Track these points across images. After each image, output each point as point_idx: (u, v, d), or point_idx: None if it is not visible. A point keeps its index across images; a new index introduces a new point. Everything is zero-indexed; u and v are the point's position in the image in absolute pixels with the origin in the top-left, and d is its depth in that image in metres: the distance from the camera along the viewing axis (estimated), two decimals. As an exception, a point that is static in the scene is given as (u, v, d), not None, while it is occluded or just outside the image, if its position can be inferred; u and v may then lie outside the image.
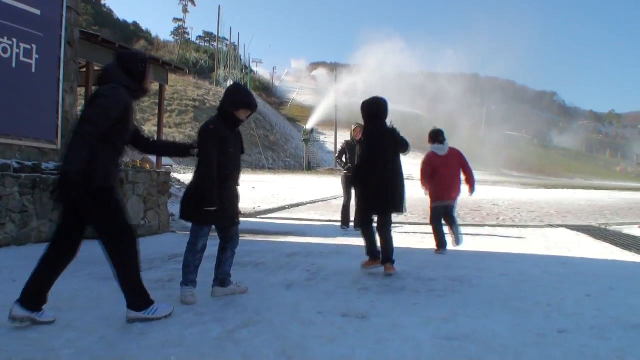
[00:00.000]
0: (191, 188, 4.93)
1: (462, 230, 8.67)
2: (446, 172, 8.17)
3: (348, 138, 10.80)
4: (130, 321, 3.92)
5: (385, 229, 6.15)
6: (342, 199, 11.00)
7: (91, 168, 4.00)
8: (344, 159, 10.82)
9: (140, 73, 4.36)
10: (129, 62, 4.38)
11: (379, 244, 6.19)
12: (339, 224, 11.19)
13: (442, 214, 8.23)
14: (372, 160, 6.15)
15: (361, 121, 6.60)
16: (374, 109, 6.30)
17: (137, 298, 4.02)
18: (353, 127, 10.75)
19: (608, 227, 12.35)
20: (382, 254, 6.09)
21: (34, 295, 3.88)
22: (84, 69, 12.64)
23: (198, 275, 4.88)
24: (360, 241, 9.02)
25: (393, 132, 6.23)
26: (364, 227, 6.39)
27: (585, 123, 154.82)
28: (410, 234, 10.47)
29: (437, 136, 8.49)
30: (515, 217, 16.72)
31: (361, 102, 6.41)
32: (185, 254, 4.91)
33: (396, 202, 6.10)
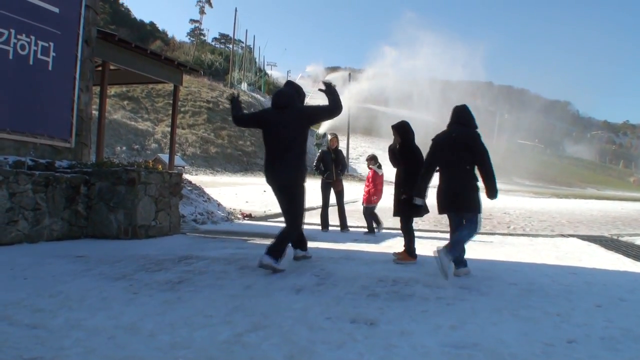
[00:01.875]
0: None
1: (475, 238, 8.60)
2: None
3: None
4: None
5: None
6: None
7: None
8: (321, 167, 11.69)
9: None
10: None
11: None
12: (357, 229, 11.36)
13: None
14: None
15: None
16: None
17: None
18: (330, 137, 12.03)
19: (620, 238, 12.26)
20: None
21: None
22: (100, 68, 12.72)
23: (207, 280, 4.89)
24: (369, 247, 9.06)
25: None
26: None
27: (599, 133, 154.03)
28: (421, 240, 10.43)
29: (373, 159, 11.75)
30: (526, 226, 16.66)
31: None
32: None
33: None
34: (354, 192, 26.62)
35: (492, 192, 6.50)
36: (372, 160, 11.80)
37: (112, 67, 13.34)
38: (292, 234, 6.63)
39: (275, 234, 6.58)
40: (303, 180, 6.57)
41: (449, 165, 6.58)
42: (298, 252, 7.22)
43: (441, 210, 6.70)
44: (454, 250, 6.27)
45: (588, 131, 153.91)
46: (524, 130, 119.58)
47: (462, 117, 6.75)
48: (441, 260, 6.06)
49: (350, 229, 11.85)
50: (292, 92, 6.70)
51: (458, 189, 6.52)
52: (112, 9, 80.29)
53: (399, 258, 7.55)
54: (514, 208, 24.61)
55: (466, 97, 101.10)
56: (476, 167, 6.53)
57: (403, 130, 7.64)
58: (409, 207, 7.23)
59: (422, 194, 6.87)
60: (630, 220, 21.03)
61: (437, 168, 6.77)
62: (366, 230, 11.60)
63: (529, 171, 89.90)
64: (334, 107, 6.43)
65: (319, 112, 6.74)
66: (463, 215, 6.59)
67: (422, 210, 7.27)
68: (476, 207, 6.53)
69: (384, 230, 11.81)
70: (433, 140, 6.86)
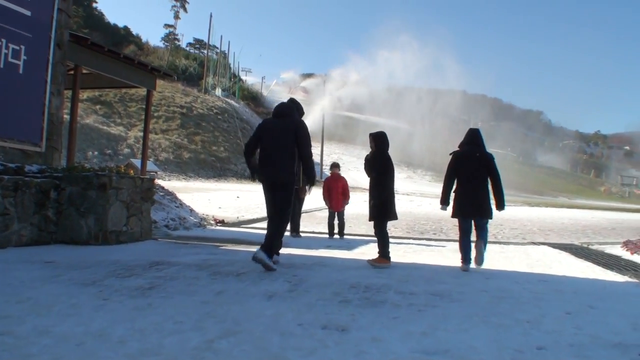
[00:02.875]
0: None
1: (448, 245, 10.16)
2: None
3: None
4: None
5: None
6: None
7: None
8: None
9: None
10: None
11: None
12: (322, 235, 11.48)
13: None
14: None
15: None
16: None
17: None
18: None
19: (590, 246, 12.42)
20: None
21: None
22: (72, 72, 12.59)
23: (179, 286, 4.85)
24: (342, 254, 9.07)
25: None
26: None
27: (571, 143, 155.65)
28: (394, 247, 10.47)
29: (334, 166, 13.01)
30: (497, 233, 16.81)
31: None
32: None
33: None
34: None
35: (501, 204, 7.96)
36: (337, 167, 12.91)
37: (84, 71, 13.22)
38: (282, 227, 7.44)
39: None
40: (293, 180, 7.38)
41: (472, 179, 7.88)
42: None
43: (466, 215, 7.98)
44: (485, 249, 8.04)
45: (560, 141, 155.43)
46: (496, 139, 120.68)
47: (479, 139, 8.12)
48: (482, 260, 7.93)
49: (302, 235, 12.14)
50: (292, 106, 7.70)
51: (481, 199, 7.86)
52: (86, 12, 79.42)
53: (374, 260, 7.85)
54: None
55: (440, 105, 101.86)
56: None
57: (380, 141, 8.14)
58: (379, 212, 7.93)
59: (448, 202, 8.15)
60: (600, 229, 21.33)
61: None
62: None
63: (502, 179, 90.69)
64: (307, 166, 7.47)
65: (301, 143, 7.32)
66: (483, 220, 7.97)
67: (392, 215, 8.03)
68: (491, 214, 7.98)
69: (358, 237, 11.89)
70: (455, 155, 8.09)
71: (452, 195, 8.10)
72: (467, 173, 7.91)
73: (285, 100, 8.00)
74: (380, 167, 7.98)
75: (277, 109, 7.66)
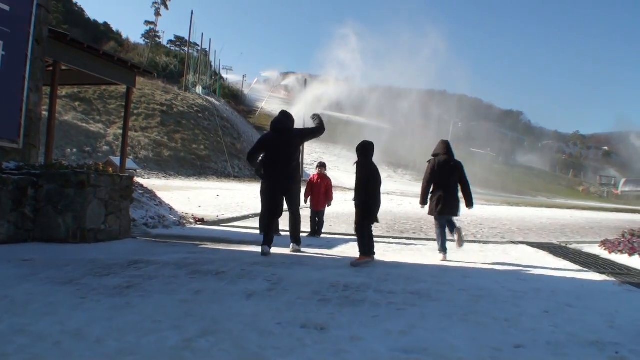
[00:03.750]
0: None
1: (427, 244, 11.04)
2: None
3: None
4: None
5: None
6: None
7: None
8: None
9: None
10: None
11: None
12: (302, 234, 11.53)
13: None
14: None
15: None
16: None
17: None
18: None
19: (568, 245, 12.52)
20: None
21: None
22: (51, 68, 12.47)
23: (157, 285, 4.81)
24: (322, 252, 9.09)
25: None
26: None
27: (550, 143, 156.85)
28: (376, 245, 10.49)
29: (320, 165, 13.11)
30: (477, 232, 16.93)
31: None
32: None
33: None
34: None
35: (470, 204, 9.57)
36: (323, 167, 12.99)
37: (63, 68, 13.08)
38: (298, 219, 9.11)
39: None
40: (300, 184, 9.25)
41: (447, 184, 9.26)
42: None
43: (440, 213, 9.25)
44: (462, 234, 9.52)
45: (539, 141, 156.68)
46: (476, 138, 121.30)
47: (450, 149, 9.51)
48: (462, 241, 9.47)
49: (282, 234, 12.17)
50: (284, 119, 9.06)
51: (454, 200, 9.31)
52: (65, 8, 78.75)
53: (357, 260, 8.03)
54: (465, 215, 24.87)
55: (420, 105, 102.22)
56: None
57: (367, 150, 8.54)
58: (367, 214, 8.38)
59: (426, 202, 9.54)
60: (579, 228, 21.56)
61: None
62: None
63: (481, 179, 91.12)
64: (320, 129, 9.15)
65: (309, 133, 9.35)
66: (453, 217, 9.43)
67: (374, 218, 8.47)
68: (459, 211, 9.47)
69: (338, 236, 11.92)
70: (433, 163, 9.36)
71: (429, 196, 9.45)
72: (442, 179, 9.28)
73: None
74: (370, 174, 8.40)
75: (274, 124, 9.08)
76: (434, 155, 9.51)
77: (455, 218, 9.50)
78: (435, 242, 9.60)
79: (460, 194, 9.42)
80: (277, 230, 11.94)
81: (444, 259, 9.00)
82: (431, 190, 9.39)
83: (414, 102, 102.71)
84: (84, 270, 6.09)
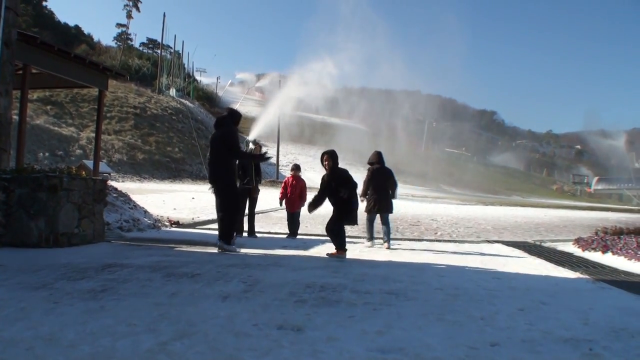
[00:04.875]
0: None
1: (401, 244, 11.91)
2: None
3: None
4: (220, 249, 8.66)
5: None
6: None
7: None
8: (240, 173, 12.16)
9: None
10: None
11: None
12: (279, 236, 11.69)
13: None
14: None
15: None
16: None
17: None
18: (253, 147, 13.22)
19: (543, 244, 12.66)
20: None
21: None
22: (21, 72, 12.31)
23: (132, 288, 4.75)
24: (298, 253, 9.08)
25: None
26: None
27: (524, 142, 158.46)
28: (350, 246, 10.51)
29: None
30: (452, 232, 17.02)
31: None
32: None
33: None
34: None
35: (394, 197, 11.64)
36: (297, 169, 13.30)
37: (34, 71, 12.93)
38: (222, 219, 8.89)
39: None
40: (227, 186, 8.91)
41: (381, 187, 11.41)
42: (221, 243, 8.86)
43: (373, 212, 11.40)
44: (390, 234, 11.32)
45: (513, 140, 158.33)
46: (451, 138, 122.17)
47: (382, 159, 11.65)
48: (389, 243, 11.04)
49: (258, 235, 12.27)
50: (227, 117, 9.21)
51: (389, 200, 11.48)
52: (35, 11, 77.85)
53: (333, 253, 8.87)
54: (441, 215, 25.10)
55: (395, 105, 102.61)
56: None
57: (334, 159, 9.33)
58: (347, 216, 9.13)
59: (366, 195, 11.44)
60: (553, 227, 21.77)
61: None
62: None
63: (456, 179, 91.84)
64: (246, 159, 11.21)
65: (229, 149, 8.84)
66: (386, 214, 11.40)
67: (354, 220, 9.18)
68: (392, 209, 11.59)
69: (314, 237, 11.95)
70: (372, 171, 11.51)
71: (367, 197, 11.43)
72: (378, 183, 11.44)
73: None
74: (345, 181, 9.13)
75: (215, 120, 9.46)
76: (370, 163, 11.72)
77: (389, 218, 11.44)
78: (411, 242, 9.69)
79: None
80: (253, 232, 12.05)
81: (372, 246, 11.14)
82: (369, 192, 11.41)
83: (388, 102, 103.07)
84: (57, 275, 6.01)
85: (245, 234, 12.18)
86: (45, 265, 6.61)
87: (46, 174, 8.74)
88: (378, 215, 11.43)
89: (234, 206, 9.09)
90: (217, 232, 9.13)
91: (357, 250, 9.90)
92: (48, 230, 8.45)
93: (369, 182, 11.44)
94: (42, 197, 8.47)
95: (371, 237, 11.36)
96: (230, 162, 9.07)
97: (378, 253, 9.74)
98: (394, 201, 11.75)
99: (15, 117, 12.45)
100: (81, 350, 3.44)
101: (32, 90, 16.83)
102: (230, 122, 9.12)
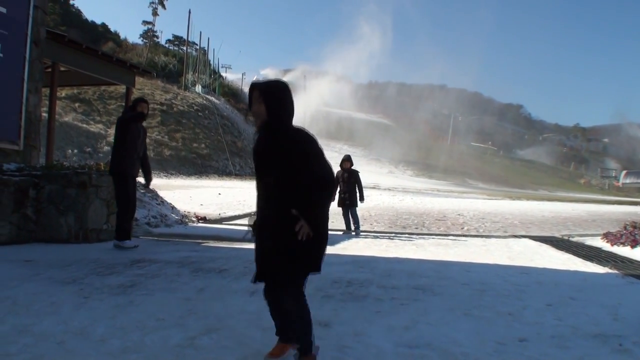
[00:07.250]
0: None
1: (430, 239, 11.20)
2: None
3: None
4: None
5: None
6: None
7: None
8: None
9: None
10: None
11: None
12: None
13: None
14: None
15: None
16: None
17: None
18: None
19: (571, 238, 12.50)
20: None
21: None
22: (50, 69, 12.46)
23: (160, 283, 4.81)
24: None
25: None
26: None
27: (551, 136, 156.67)
28: (376, 241, 10.49)
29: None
30: (479, 227, 16.90)
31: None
32: None
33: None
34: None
35: (361, 199, 12.90)
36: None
37: (62, 69, 13.08)
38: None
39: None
40: (115, 172, 8.34)
41: (349, 185, 12.58)
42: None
43: (345, 207, 12.68)
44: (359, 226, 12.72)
45: (540, 134, 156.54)
46: (477, 133, 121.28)
47: (351, 161, 12.82)
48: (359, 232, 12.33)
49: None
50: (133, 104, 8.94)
51: (354, 197, 12.66)
52: (63, 9, 78.62)
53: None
54: (467, 209, 24.91)
55: (420, 100, 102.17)
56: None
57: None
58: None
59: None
60: (581, 221, 21.51)
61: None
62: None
63: (482, 173, 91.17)
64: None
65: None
66: (353, 208, 12.61)
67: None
68: (357, 204, 12.74)
69: (336, 233, 11.96)
70: (342, 171, 12.61)
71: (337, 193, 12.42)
72: (347, 182, 12.60)
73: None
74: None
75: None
76: (340, 165, 12.77)
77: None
78: (438, 238, 9.64)
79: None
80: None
81: (348, 233, 12.40)
82: (339, 189, 12.50)
83: (414, 97, 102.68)
84: (87, 270, 6.09)
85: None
86: (74, 261, 6.71)
87: (75, 171, 8.85)
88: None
89: (121, 200, 8.49)
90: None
91: (383, 245, 9.88)
92: (77, 226, 8.56)
93: (337, 180, 12.01)
94: (72, 193, 8.58)
95: (347, 227, 12.78)
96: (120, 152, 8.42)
97: (403, 248, 9.70)
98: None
99: (45, 115, 12.60)
100: (111, 344, 3.49)
101: (60, 87, 17.02)
102: (128, 110, 9.29)
